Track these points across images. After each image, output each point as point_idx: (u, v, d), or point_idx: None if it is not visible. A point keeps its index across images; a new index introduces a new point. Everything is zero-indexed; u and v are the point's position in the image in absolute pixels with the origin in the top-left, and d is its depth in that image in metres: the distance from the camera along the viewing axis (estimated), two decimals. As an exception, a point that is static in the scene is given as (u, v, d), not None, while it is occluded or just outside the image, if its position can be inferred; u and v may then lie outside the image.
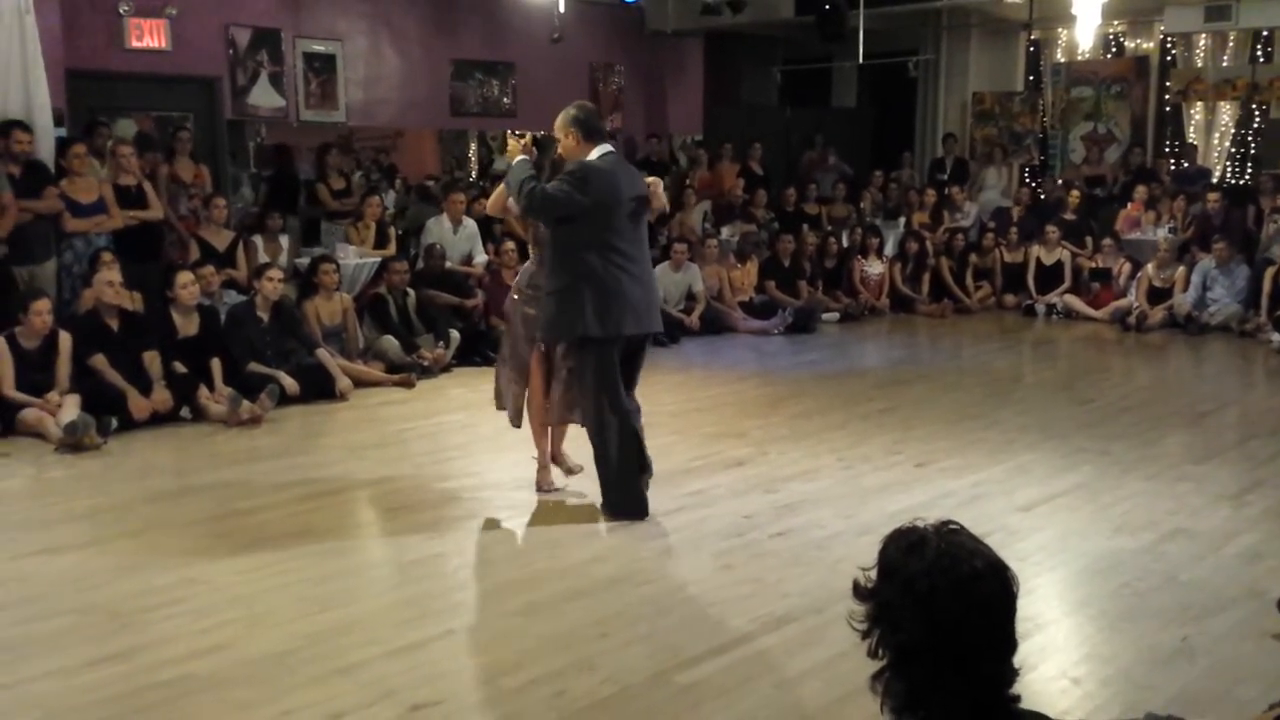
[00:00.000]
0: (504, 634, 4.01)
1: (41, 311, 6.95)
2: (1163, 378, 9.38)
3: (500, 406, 5.81)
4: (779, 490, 5.70)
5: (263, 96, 10.98)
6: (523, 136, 5.89)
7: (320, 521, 5.25)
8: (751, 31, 14.73)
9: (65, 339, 7.07)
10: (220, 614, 4.15)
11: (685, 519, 5.27)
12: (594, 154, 5.19)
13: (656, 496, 5.42)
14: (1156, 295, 11.13)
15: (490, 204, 6.01)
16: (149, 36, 10.10)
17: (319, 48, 11.36)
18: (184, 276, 7.67)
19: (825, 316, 11.47)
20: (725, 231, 12.35)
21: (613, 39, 13.94)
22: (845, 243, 12.55)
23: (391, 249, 9.89)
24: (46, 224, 7.90)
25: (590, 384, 5.21)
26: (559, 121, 5.30)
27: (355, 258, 9.59)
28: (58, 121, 8.31)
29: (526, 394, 5.63)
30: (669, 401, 7.77)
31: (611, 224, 5.14)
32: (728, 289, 11.24)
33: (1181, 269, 11.13)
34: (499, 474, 5.99)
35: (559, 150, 5.35)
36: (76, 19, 9.38)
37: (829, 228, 12.86)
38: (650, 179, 5.48)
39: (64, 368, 7.02)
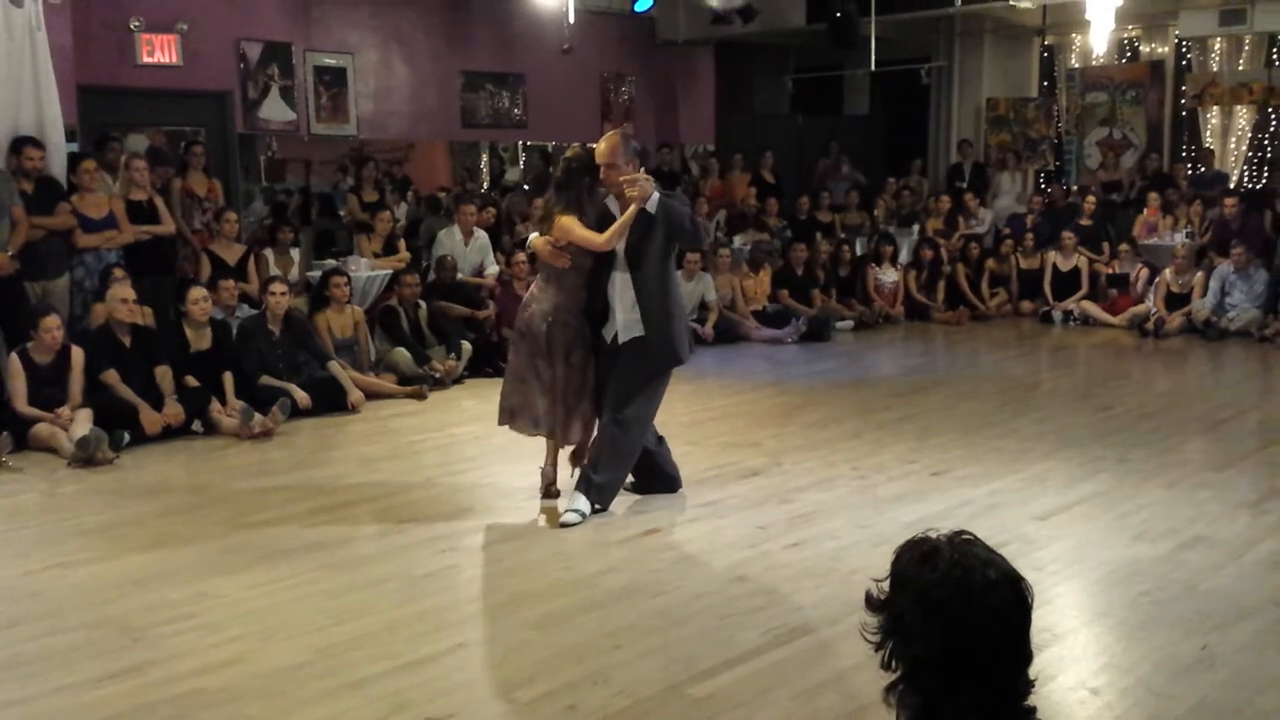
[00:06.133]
0: (517, 647, 3.98)
1: (52, 328, 6.96)
2: (1181, 384, 9.30)
3: (506, 423, 5.72)
4: (793, 500, 5.66)
5: (274, 110, 11.01)
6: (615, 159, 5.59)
7: (332, 534, 5.24)
8: (763, 40, 14.73)
9: (78, 354, 7.08)
10: (232, 628, 4.14)
11: (699, 530, 5.25)
12: None
13: (670, 506, 5.51)
14: (1175, 301, 11.05)
15: (607, 239, 5.45)
16: (160, 52, 10.14)
17: (330, 61, 11.40)
18: (196, 292, 7.69)
19: (839, 325, 11.43)
20: (738, 240, 12.33)
21: (623, 49, 13.94)
22: (859, 250, 12.52)
23: (403, 261, 9.89)
24: (59, 240, 7.91)
25: (656, 397, 5.64)
26: (616, 149, 5.38)
27: (366, 270, 9.60)
28: (69, 137, 8.32)
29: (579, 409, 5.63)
30: (682, 411, 7.73)
31: None
32: (741, 298, 11.21)
33: (1200, 274, 11.05)
34: (511, 486, 5.97)
35: (606, 175, 5.42)
36: (88, 35, 9.41)
37: (842, 235, 12.82)
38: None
39: (76, 383, 7.04)
